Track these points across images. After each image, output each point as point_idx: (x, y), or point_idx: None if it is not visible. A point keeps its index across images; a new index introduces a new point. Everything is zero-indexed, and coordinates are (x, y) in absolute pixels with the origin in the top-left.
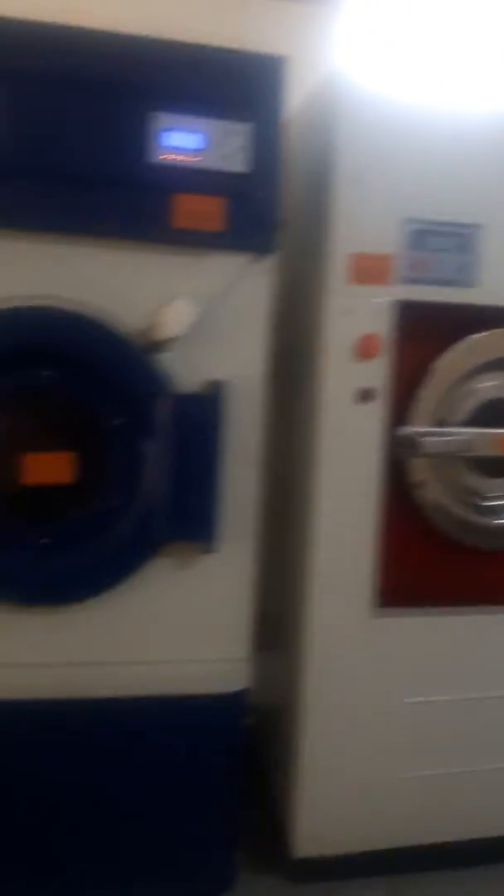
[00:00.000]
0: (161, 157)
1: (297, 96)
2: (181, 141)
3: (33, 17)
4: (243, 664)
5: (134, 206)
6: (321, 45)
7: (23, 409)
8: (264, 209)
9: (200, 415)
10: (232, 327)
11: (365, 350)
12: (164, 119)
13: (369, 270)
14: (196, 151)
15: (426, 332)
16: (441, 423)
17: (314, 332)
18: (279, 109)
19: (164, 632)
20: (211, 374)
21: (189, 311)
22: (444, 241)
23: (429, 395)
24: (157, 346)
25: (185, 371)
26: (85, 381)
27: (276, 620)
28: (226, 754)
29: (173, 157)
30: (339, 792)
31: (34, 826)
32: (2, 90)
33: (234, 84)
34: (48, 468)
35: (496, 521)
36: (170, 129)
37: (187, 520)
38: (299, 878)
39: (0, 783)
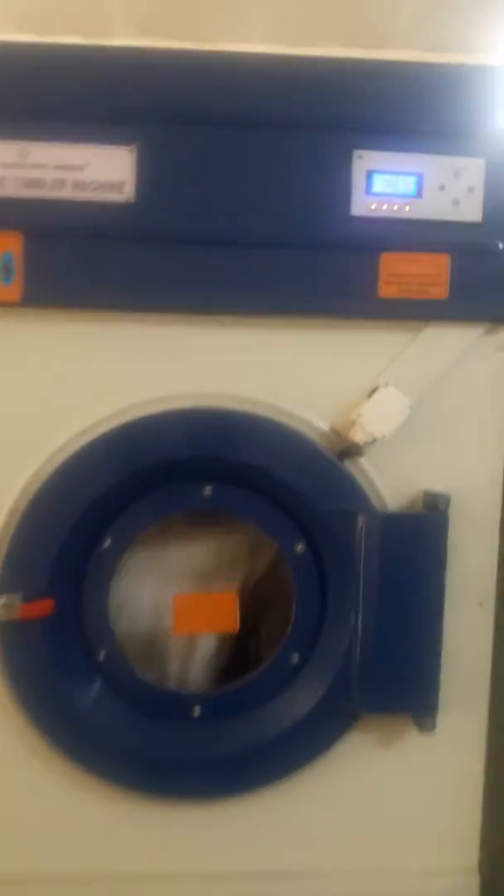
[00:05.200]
0: (366, 207)
1: None
2: (391, 185)
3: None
4: (470, 877)
5: (327, 273)
6: None
7: (178, 535)
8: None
9: (413, 539)
10: (456, 422)
11: None
12: (369, 159)
13: None
14: (410, 197)
15: None
16: None
17: None
18: None
19: (365, 833)
20: (427, 486)
21: (399, 405)
22: None
23: None
24: (356, 450)
25: (393, 482)
26: (259, 497)
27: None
28: None
29: (381, 206)
30: None
31: None
32: (148, 140)
33: (460, 109)
34: (206, 612)
35: None
36: (377, 172)
37: (395, 684)
38: None
39: None
